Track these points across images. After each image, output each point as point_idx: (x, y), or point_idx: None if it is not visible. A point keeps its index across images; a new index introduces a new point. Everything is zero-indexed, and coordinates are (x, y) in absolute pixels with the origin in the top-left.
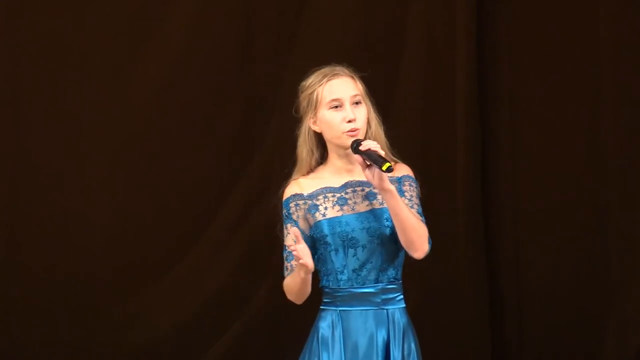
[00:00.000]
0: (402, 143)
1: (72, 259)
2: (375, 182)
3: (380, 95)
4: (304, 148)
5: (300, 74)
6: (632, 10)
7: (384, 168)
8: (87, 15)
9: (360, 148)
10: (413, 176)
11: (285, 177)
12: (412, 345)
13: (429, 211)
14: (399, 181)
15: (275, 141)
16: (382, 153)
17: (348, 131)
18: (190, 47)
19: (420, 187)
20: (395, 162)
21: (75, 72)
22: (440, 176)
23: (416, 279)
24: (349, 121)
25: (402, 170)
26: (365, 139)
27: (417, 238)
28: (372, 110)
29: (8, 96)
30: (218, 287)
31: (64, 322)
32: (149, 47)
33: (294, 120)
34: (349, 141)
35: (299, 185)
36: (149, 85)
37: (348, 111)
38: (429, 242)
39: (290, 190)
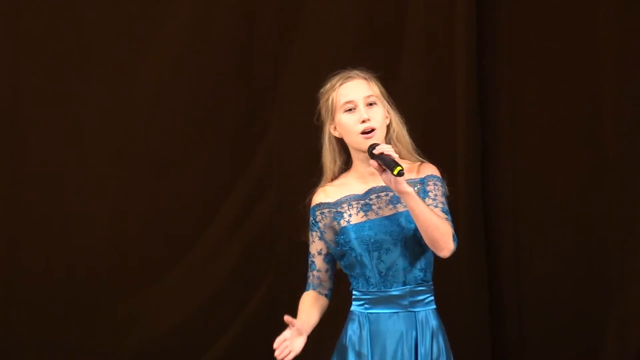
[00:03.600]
0: None
1: (72, 259)
2: (392, 185)
3: None
4: (327, 156)
5: (300, 74)
6: (632, 10)
7: (395, 172)
8: (87, 16)
9: (374, 152)
10: (438, 175)
11: (314, 184)
12: (443, 346)
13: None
14: (422, 182)
15: (275, 141)
16: (396, 156)
17: (362, 131)
18: (191, 47)
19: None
20: (421, 162)
21: (75, 72)
22: None
23: None
24: (363, 121)
25: (427, 170)
26: (387, 140)
27: (440, 237)
28: (392, 110)
29: (8, 96)
30: (218, 287)
31: (64, 322)
32: (150, 47)
33: (294, 121)
34: (366, 142)
35: (325, 193)
36: (149, 85)
37: (362, 112)
38: (454, 240)
39: (316, 198)
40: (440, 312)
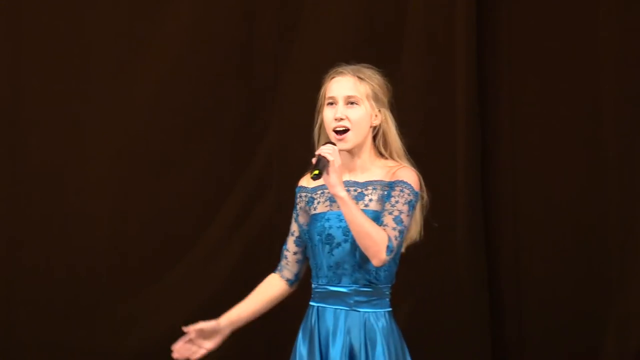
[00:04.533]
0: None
1: (72, 259)
2: (328, 187)
3: None
4: (318, 141)
5: (300, 74)
6: (632, 10)
7: (311, 175)
8: (87, 16)
9: (315, 152)
10: (410, 183)
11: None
12: (385, 351)
13: (429, 211)
14: (390, 185)
15: (275, 141)
16: (331, 159)
17: (333, 129)
18: (191, 47)
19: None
20: (402, 167)
21: (75, 72)
22: (440, 177)
23: (416, 279)
24: (336, 119)
25: (402, 175)
26: (382, 140)
27: (371, 245)
28: (384, 112)
29: (8, 96)
30: (218, 287)
31: (64, 322)
32: (150, 47)
33: (294, 121)
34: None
35: (308, 178)
36: (149, 85)
37: (337, 110)
38: (388, 251)
39: (301, 181)
40: (440, 312)
